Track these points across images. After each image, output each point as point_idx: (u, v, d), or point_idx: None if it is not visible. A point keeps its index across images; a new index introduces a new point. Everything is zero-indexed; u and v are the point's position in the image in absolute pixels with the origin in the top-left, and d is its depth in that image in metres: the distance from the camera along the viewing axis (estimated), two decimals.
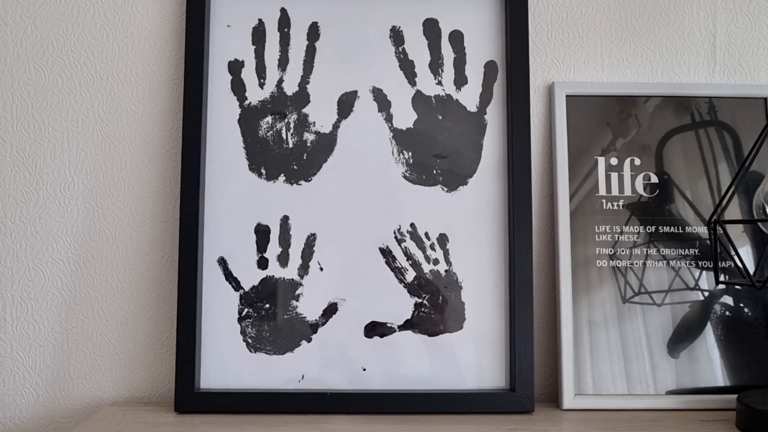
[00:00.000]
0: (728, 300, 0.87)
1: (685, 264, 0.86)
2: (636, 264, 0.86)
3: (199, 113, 0.84)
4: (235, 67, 0.86)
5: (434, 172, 0.85)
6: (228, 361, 0.83)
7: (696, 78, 0.90)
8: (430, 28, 0.87)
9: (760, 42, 0.90)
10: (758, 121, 0.87)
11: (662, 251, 0.86)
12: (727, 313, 0.86)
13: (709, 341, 0.86)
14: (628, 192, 0.87)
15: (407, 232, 0.84)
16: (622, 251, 0.86)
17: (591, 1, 0.90)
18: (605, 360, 0.84)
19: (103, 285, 0.88)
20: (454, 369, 0.83)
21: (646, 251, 0.86)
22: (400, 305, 0.84)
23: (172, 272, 0.87)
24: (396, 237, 0.84)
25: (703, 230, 0.87)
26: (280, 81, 0.86)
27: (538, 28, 0.89)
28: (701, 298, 0.86)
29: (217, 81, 0.86)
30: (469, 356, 0.83)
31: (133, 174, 0.88)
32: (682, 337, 0.86)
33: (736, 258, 0.73)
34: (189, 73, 0.84)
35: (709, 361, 0.85)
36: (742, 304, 0.86)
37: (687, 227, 0.87)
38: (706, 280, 0.87)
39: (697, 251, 0.86)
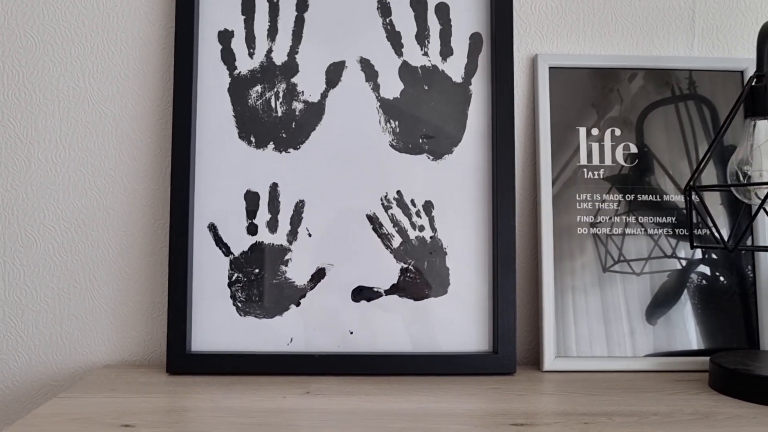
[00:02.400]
0: (705, 269, 0.89)
1: (664, 233, 0.89)
2: (616, 232, 0.89)
3: (189, 82, 0.85)
4: (225, 36, 0.87)
5: (420, 140, 0.87)
6: (218, 324, 0.85)
7: (675, 51, 0.92)
8: (417, 0, 0.88)
9: (737, 16, 0.93)
10: (736, 94, 0.90)
11: (641, 220, 0.89)
12: (704, 281, 0.89)
13: (685, 308, 0.88)
14: (608, 162, 0.89)
15: (394, 199, 0.86)
16: (603, 220, 0.89)
17: None
18: (585, 324, 0.87)
19: (96, 251, 0.90)
20: (438, 332, 0.85)
21: (626, 220, 0.89)
22: (386, 270, 0.86)
23: (164, 238, 0.89)
24: (383, 204, 0.86)
25: (680, 200, 0.89)
26: (270, 51, 0.87)
27: (522, 1, 0.91)
28: (679, 267, 0.89)
29: (208, 51, 0.87)
30: (454, 320, 0.86)
31: (124, 142, 0.90)
32: (660, 304, 0.89)
33: (709, 221, 0.76)
34: (179, 42, 0.86)
35: (684, 327, 0.88)
36: (717, 273, 0.89)
37: (665, 196, 0.89)
38: (683, 249, 0.89)
39: (674, 220, 0.89)
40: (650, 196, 0.89)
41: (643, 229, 0.89)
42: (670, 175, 0.90)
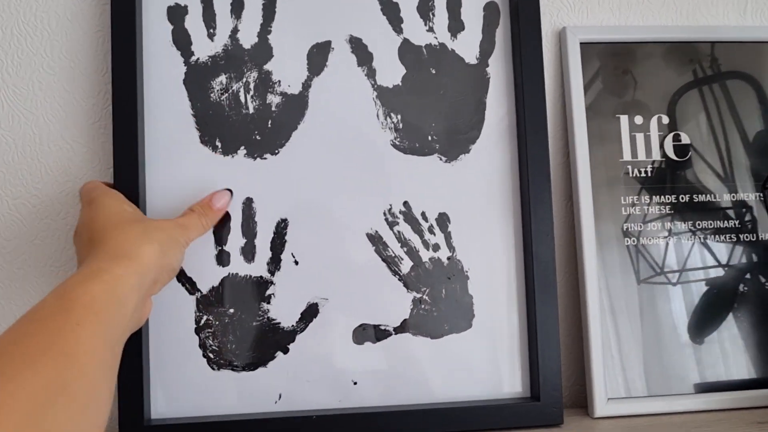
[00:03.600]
0: (757, 276, 0.75)
1: (719, 238, 0.74)
2: (657, 239, 0.73)
3: (132, 74, 0.65)
4: (177, 13, 0.68)
5: (429, 138, 0.70)
6: (185, 382, 0.66)
7: (725, 20, 0.77)
8: None
9: None
10: None
11: (688, 224, 0.74)
12: (755, 290, 0.75)
13: (735, 324, 0.74)
14: (656, 156, 0.74)
15: (400, 212, 0.69)
16: (645, 226, 0.73)
17: None
18: (631, 354, 0.71)
19: (19, 290, 0.70)
20: (463, 376, 0.68)
21: (670, 225, 0.74)
22: (395, 302, 0.68)
23: None
24: (387, 219, 0.69)
25: (726, 200, 0.74)
26: (235, 31, 0.69)
27: None
28: (722, 274, 0.74)
29: (155, 32, 0.68)
30: (481, 360, 0.69)
31: (50, 153, 0.70)
32: (705, 320, 0.74)
33: None
34: (117, 22, 0.66)
35: (737, 348, 0.74)
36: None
37: (715, 195, 0.74)
38: (738, 257, 0.75)
39: (728, 223, 0.74)
40: (704, 196, 0.74)
41: (692, 235, 0.74)
42: (717, 172, 0.75)
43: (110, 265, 0.50)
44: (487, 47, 0.71)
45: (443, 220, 0.70)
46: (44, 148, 0.70)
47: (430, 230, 0.69)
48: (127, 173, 0.65)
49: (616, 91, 0.74)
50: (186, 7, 0.68)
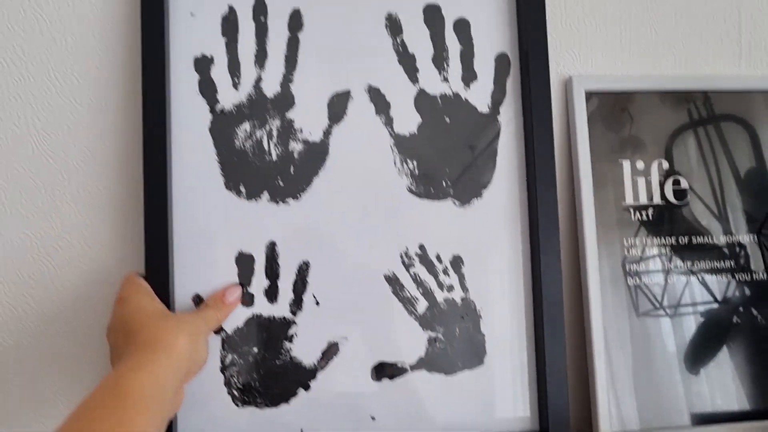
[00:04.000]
0: (750, 309, 0.79)
1: (715, 277, 0.78)
2: (656, 278, 0.77)
3: (162, 121, 0.68)
4: (203, 64, 0.71)
5: (444, 183, 0.73)
6: (211, 418, 0.69)
7: (722, 69, 0.81)
8: (432, 16, 0.74)
9: None
10: None
11: (686, 263, 0.78)
12: (748, 323, 0.79)
13: (729, 356, 0.78)
14: (657, 200, 0.78)
15: (416, 255, 0.72)
16: (645, 265, 0.77)
17: None
18: (630, 387, 0.75)
19: (48, 333, 0.72)
20: (476, 411, 0.72)
21: (669, 264, 0.78)
22: (411, 341, 0.72)
23: None
24: (403, 261, 0.72)
25: (724, 239, 0.78)
26: (258, 80, 0.72)
27: (550, 15, 0.78)
28: (716, 306, 0.78)
29: (182, 82, 0.71)
30: (492, 395, 0.72)
31: (80, 198, 0.72)
32: (700, 351, 0.78)
33: None
34: (147, 73, 0.69)
35: (731, 380, 0.78)
36: (760, 316, 0.79)
37: (713, 237, 0.78)
38: (732, 292, 0.79)
39: (726, 263, 0.78)
40: (701, 237, 0.78)
41: (690, 274, 0.78)
42: (714, 213, 0.79)
43: (153, 356, 0.55)
44: (498, 96, 0.75)
45: (457, 262, 0.73)
46: (72, 193, 0.72)
47: (445, 272, 0.73)
48: (155, 217, 0.68)
49: (613, 128, 0.78)
50: (212, 57, 0.71)
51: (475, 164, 0.74)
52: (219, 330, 0.69)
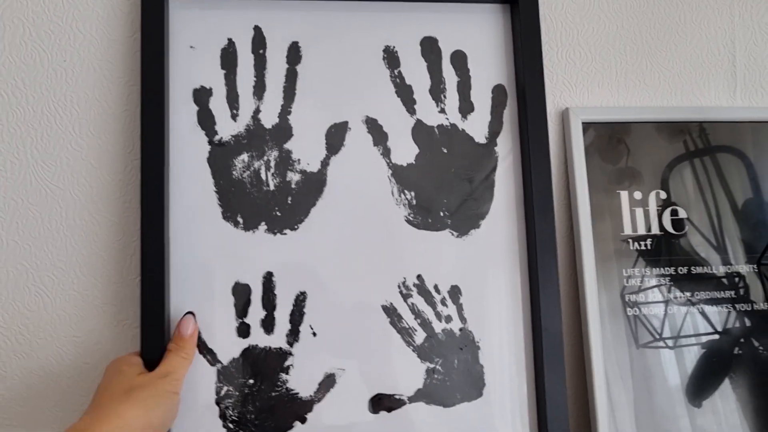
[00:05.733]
0: (751, 340, 0.79)
1: (715, 308, 0.77)
2: (655, 308, 0.77)
3: (160, 152, 0.69)
4: (202, 95, 0.72)
5: (441, 214, 0.73)
6: None
7: (717, 100, 0.82)
8: (429, 49, 0.75)
9: None
10: None
11: (685, 294, 0.77)
12: (749, 354, 0.78)
13: (731, 387, 0.77)
14: (655, 230, 0.78)
15: (414, 285, 0.72)
16: (644, 296, 0.77)
17: (603, 17, 0.81)
18: (632, 419, 0.74)
19: (46, 361, 0.72)
20: None
21: (668, 295, 0.77)
22: (409, 373, 0.71)
23: (133, 345, 0.72)
24: (401, 292, 0.72)
25: (723, 270, 0.78)
26: (257, 111, 0.72)
27: (547, 47, 0.79)
28: (717, 338, 0.78)
29: (181, 113, 0.71)
30: (491, 428, 0.71)
31: (76, 227, 0.72)
32: (702, 382, 0.77)
33: None
34: (146, 103, 0.69)
35: (735, 410, 0.77)
36: (762, 347, 0.78)
37: (712, 266, 0.78)
38: (732, 323, 0.78)
39: (727, 293, 0.78)
40: (700, 267, 0.78)
41: (689, 305, 0.77)
42: (712, 243, 0.79)
43: (93, 424, 0.57)
44: (495, 127, 0.75)
45: (455, 292, 0.73)
46: (69, 223, 0.72)
47: (443, 302, 0.72)
48: (152, 247, 0.67)
49: (611, 159, 0.78)
50: (211, 89, 0.72)
51: (473, 195, 0.74)
52: (214, 362, 0.69)
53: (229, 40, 0.73)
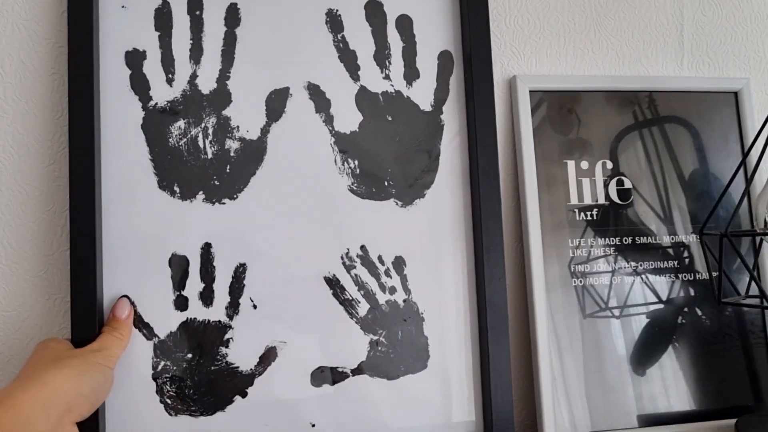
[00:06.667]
0: (695, 309, 0.79)
1: (660, 277, 0.78)
2: (601, 278, 0.77)
3: (90, 117, 0.65)
4: (135, 58, 0.68)
5: (386, 183, 0.72)
6: (143, 428, 0.65)
7: (664, 70, 0.82)
8: (374, 13, 0.73)
9: (727, 31, 0.83)
10: (729, 115, 0.81)
11: (630, 264, 0.77)
12: (692, 324, 0.79)
13: (675, 356, 0.78)
14: (601, 200, 0.77)
15: (357, 256, 0.71)
16: (590, 266, 0.77)
17: None
18: (582, 389, 0.74)
19: None
20: (420, 416, 0.70)
21: (614, 265, 0.77)
22: (352, 345, 0.69)
23: (65, 319, 0.69)
24: (344, 263, 0.70)
25: (667, 240, 0.78)
26: (194, 76, 0.69)
27: (494, 14, 0.77)
28: (661, 307, 0.78)
29: (112, 77, 0.68)
30: (436, 399, 0.71)
31: (4, 196, 0.68)
32: (646, 351, 0.78)
33: (755, 275, 0.64)
34: (74, 66, 0.66)
35: (677, 380, 0.78)
36: (704, 316, 0.79)
37: (659, 237, 0.78)
38: (676, 293, 0.79)
39: (671, 262, 0.78)
40: (645, 238, 0.78)
41: (635, 275, 0.77)
42: (658, 213, 0.79)
43: (15, 391, 0.53)
44: (441, 95, 0.74)
45: (399, 263, 0.71)
46: None
47: (387, 273, 0.71)
48: (83, 217, 0.64)
49: (561, 130, 0.78)
50: (144, 52, 0.69)
51: (418, 164, 0.72)
52: (151, 336, 0.67)
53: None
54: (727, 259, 0.77)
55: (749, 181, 0.67)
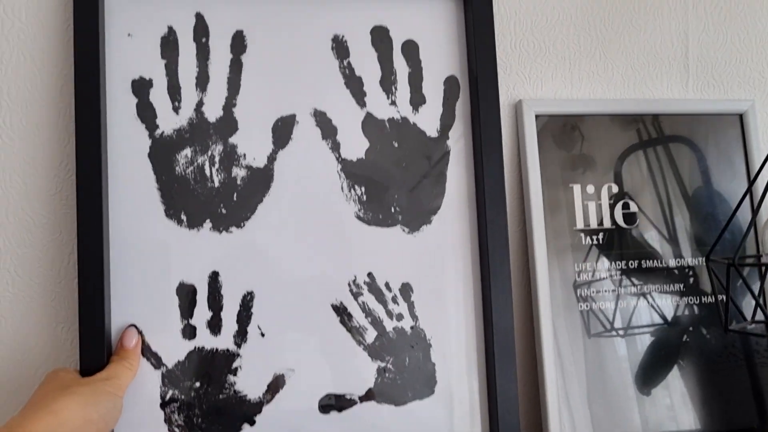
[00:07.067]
0: (700, 329, 0.79)
1: (665, 299, 0.78)
2: (607, 302, 0.77)
3: (97, 146, 0.65)
4: (142, 87, 0.68)
5: (392, 209, 0.72)
6: None
7: (669, 92, 0.82)
8: (380, 38, 0.73)
9: (732, 53, 0.83)
10: (735, 138, 0.81)
11: (636, 286, 0.78)
12: (697, 343, 0.79)
13: (680, 375, 0.78)
14: (607, 224, 0.77)
15: (364, 283, 0.71)
16: (596, 289, 0.77)
17: (557, 8, 0.79)
18: (585, 409, 0.74)
19: None
20: None
21: (620, 289, 0.77)
22: (360, 372, 0.70)
23: (72, 347, 0.69)
24: (351, 290, 0.70)
25: (674, 262, 0.79)
26: (200, 104, 0.69)
27: (500, 38, 0.77)
28: (666, 327, 0.78)
29: (119, 105, 0.68)
30: (444, 425, 0.71)
31: (11, 225, 0.68)
32: (650, 371, 0.78)
33: (761, 303, 0.64)
34: (81, 95, 0.66)
35: (683, 398, 0.78)
36: (709, 335, 0.79)
37: (663, 259, 0.78)
38: (681, 313, 0.79)
39: (678, 286, 0.78)
40: (651, 261, 0.78)
41: (641, 297, 0.77)
42: (663, 235, 0.79)
43: (25, 420, 0.54)
44: (447, 120, 0.74)
45: (406, 289, 0.71)
46: (2, 220, 0.68)
47: (394, 300, 0.71)
48: (91, 246, 0.65)
49: (564, 146, 0.78)
50: (151, 80, 0.68)
51: (424, 190, 0.72)
52: (159, 365, 0.67)
53: (170, 27, 0.69)
54: (733, 283, 0.77)
55: (755, 211, 0.67)
